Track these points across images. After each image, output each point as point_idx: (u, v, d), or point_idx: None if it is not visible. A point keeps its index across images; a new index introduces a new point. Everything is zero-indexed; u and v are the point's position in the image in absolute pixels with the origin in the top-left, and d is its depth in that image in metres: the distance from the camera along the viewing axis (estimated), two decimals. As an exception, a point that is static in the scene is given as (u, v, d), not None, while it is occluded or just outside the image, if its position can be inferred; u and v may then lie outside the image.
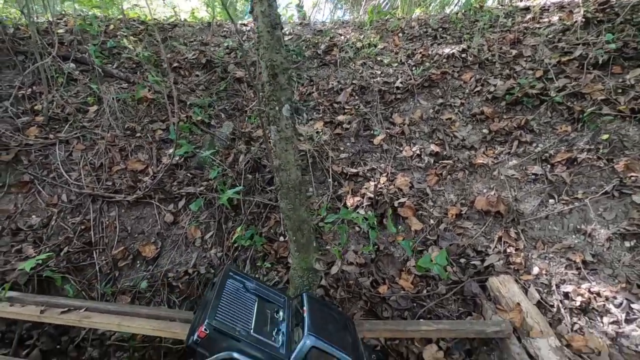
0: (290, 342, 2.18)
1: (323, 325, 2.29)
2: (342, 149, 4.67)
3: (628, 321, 2.75)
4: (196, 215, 4.06)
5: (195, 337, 2.02)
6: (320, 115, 5.16)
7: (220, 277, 2.40)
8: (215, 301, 2.18)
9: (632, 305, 2.81)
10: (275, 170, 2.74)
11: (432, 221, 3.69)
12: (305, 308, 2.38)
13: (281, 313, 2.40)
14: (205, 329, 2.01)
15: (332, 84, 5.60)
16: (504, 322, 2.68)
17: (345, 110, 5.12)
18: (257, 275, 3.56)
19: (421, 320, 2.78)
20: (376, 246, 3.63)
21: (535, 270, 3.16)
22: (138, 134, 4.91)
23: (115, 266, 3.74)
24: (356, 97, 5.31)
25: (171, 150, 4.66)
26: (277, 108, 2.59)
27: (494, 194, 3.64)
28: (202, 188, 4.18)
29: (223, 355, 2.02)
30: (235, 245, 3.74)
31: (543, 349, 2.60)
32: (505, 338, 2.63)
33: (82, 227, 3.93)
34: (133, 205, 4.14)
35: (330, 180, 4.18)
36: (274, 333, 2.23)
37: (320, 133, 4.74)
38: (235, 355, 2.02)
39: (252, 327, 2.18)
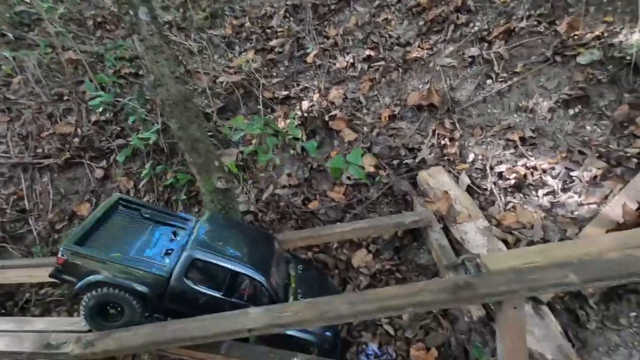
0: (179, 259, 2.05)
1: (216, 240, 2.13)
2: (275, 74, 4.31)
3: (565, 190, 2.50)
4: (128, 166, 3.88)
5: (55, 265, 1.92)
6: (253, 44, 4.75)
7: (102, 206, 2.26)
8: (81, 228, 2.06)
9: (572, 174, 2.54)
10: (152, 87, 2.48)
11: (365, 129, 3.41)
12: (198, 225, 2.25)
13: (180, 236, 2.27)
14: (61, 255, 1.88)
15: (265, 10, 5.11)
16: (424, 212, 2.47)
17: (278, 34, 4.69)
18: (190, 211, 3.42)
19: (337, 223, 2.60)
20: (310, 165, 3.40)
21: (471, 157, 2.89)
22: (66, 97, 4.64)
23: (53, 229, 3.67)
24: (289, 19, 4.84)
25: (101, 109, 4.42)
26: (131, 12, 2.27)
27: (428, 87, 3.28)
28: (130, 139, 3.97)
29: (92, 278, 1.90)
30: (168, 187, 3.58)
31: (470, 232, 2.41)
32: (426, 227, 2.44)
33: (15, 196, 3.83)
34: (64, 167, 3.99)
35: (260, 107, 3.89)
36: (162, 254, 2.11)
37: (251, 62, 4.37)
38: (104, 277, 1.89)
39: (134, 249, 2.06)
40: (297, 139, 3.50)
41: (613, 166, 2.46)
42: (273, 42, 4.60)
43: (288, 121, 3.69)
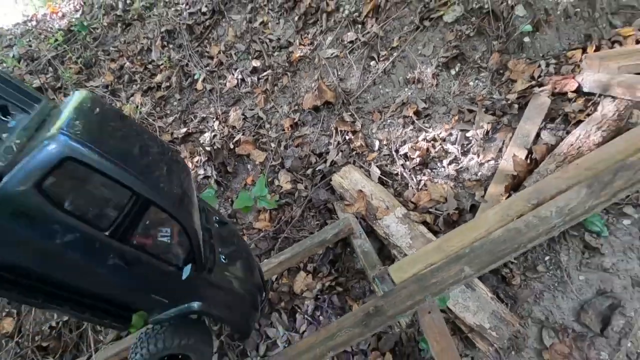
0: (21, 148, 1.09)
1: (106, 135, 1.21)
2: (169, 111, 4.04)
3: (465, 153, 2.55)
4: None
5: None
6: (139, 85, 4.41)
7: None
8: None
9: (467, 134, 2.59)
10: None
11: (273, 145, 3.29)
12: (68, 104, 1.24)
13: (17, 118, 1.23)
14: None
15: (141, 43, 4.74)
16: (343, 220, 2.43)
17: (161, 67, 4.38)
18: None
19: (265, 261, 2.51)
20: (230, 199, 3.25)
21: (377, 144, 2.88)
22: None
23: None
24: (168, 47, 4.52)
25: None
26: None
27: (317, 84, 3.20)
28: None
29: None
30: None
31: (391, 224, 2.41)
32: (349, 235, 2.41)
33: None
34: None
35: (162, 153, 3.63)
36: None
37: (139, 106, 4.06)
38: None
39: None
40: (207, 177, 3.33)
41: (500, 116, 2.54)
42: (158, 78, 4.30)
43: (195, 160, 3.49)
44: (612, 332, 1.87)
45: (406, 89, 3.00)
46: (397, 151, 2.75)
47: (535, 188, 1.54)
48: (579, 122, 2.23)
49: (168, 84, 4.19)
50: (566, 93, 2.38)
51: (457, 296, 2.09)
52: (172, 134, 3.76)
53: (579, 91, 2.35)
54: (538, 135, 2.34)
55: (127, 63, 4.71)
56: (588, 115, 2.22)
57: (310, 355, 1.36)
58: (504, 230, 1.36)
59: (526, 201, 1.49)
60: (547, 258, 2.08)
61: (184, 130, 3.72)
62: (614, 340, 1.86)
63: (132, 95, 4.36)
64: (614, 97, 2.14)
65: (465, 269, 1.33)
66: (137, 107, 4.06)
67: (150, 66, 4.47)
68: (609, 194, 1.28)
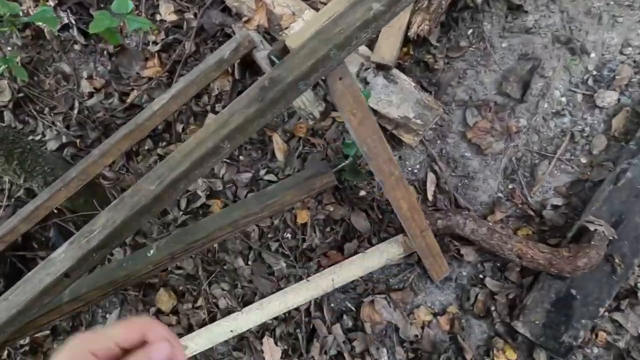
0: None
1: None
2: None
3: None
4: None
5: None
6: None
7: None
8: None
9: None
10: None
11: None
12: None
13: None
14: None
15: None
16: (238, 34, 1.97)
17: None
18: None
19: (155, 100, 2.05)
20: (105, 50, 2.56)
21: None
22: None
23: None
24: None
25: None
26: None
27: None
28: None
29: None
30: None
31: (297, 28, 2.00)
32: (251, 50, 1.99)
33: None
34: None
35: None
36: None
37: None
38: None
39: None
40: (67, 26, 2.54)
41: None
42: None
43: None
44: (531, 96, 1.82)
45: None
46: (297, -57, 2.16)
47: None
48: None
49: None
50: None
51: (379, 93, 1.89)
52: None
53: None
54: None
55: None
56: None
57: (209, 146, 1.07)
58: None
59: None
60: (469, 32, 1.87)
61: None
62: (533, 104, 1.82)
63: None
64: None
65: (374, 5, 1.00)
66: None
67: None
68: None
